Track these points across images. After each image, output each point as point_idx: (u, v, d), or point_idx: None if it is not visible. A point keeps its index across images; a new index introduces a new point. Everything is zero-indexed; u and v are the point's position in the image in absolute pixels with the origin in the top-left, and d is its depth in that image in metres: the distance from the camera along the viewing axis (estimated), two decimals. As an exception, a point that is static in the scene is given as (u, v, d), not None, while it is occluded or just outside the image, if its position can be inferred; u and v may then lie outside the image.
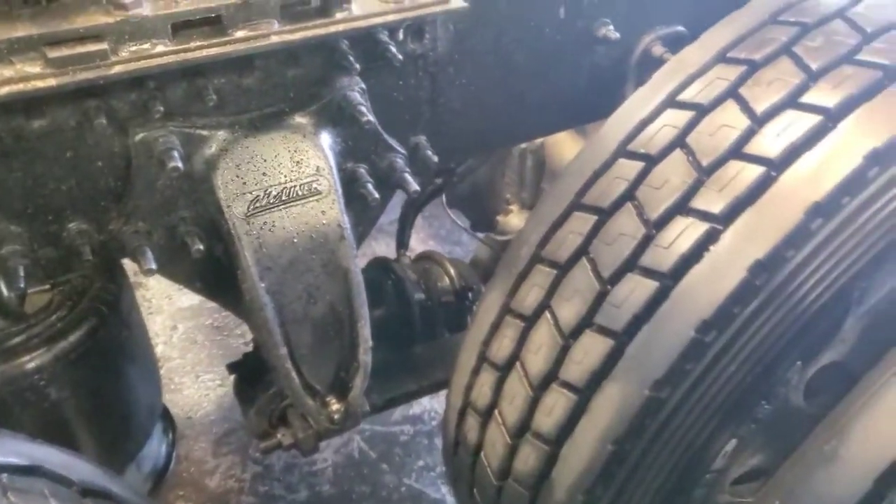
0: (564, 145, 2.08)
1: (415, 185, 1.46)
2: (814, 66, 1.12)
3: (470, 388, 1.34)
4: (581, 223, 1.19)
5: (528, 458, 1.21)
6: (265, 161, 1.33)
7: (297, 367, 1.42)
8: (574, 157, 1.28)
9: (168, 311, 2.92)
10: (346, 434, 2.46)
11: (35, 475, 0.96)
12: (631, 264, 1.11)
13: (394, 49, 1.34)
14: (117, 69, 1.10)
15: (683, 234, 1.07)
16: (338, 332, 1.45)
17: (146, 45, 1.13)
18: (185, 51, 1.14)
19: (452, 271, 1.98)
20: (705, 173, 1.09)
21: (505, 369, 1.26)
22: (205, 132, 1.28)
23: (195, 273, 1.41)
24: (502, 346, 1.26)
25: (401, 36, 1.36)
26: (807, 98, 1.09)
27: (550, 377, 1.17)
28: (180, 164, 1.20)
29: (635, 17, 1.69)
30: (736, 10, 1.34)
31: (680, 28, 1.76)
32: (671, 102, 1.19)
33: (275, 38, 1.19)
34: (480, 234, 2.23)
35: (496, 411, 1.28)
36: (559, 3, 1.57)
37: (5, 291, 1.23)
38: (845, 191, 1.02)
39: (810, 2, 1.23)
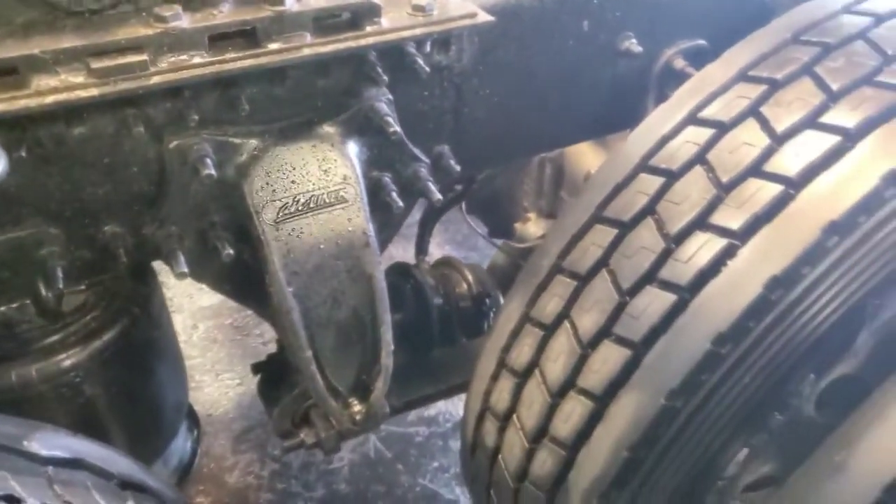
0: (583, 155, 2.11)
1: (437, 194, 1.49)
2: (834, 86, 1.14)
3: (489, 393, 1.37)
4: (602, 235, 1.22)
5: (545, 462, 1.24)
6: (294, 169, 1.37)
7: (322, 370, 1.47)
8: (597, 169, 1.31)
9: (189, 309, 2.98)
10: (363, 435, 2.50)
11: (77, 468, 1.00)
12: (650, 277, 1.14)
13: (421, 61, 1.38)
14: (156, 79, 1.14)
15: (702, 248, 1.10)
16: (361, 336, 1.49)
17: (184, 57, 1.17)
18: (221, 62, 1.18)
19: (470, 277, 2.01)
20: (725, 190, 1.12)
21: (524, 376, 1.29)
22: (237, 140, 1.32)
23: (224, 276, 1.45)
24: (521, 354, 1.29)
25: (427, 48, 1.40)
26: (826, 118, 1.11)
27: (568, 385, 1.20)
28: (213, 171, 1.25)
29: (658, 31, 1.71)
30: (755, 24, 1.37)
31: (701, 42, 1.79)
32: (693, 119, 1.22)
33: (307, 51, 1.23)
34: (498, 241, 2.26)
35: (514, 416, 1.31)
36: (583, 16, 1.60)
37: (44, 291, 1.27)
38: (862, 210, 1.04)
39: (832, 22, 1.25)
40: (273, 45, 1.22)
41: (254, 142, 1.35)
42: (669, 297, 1.11)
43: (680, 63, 1.76)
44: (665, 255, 1.13)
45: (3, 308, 1.31)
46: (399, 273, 2.01)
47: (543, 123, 1.71)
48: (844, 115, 1.10)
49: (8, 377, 1.27)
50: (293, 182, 1.36)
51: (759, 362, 1.09)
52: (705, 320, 1.07)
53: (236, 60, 1.19)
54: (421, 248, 2.08)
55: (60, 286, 1.29)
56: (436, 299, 1.95)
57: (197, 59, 1.18)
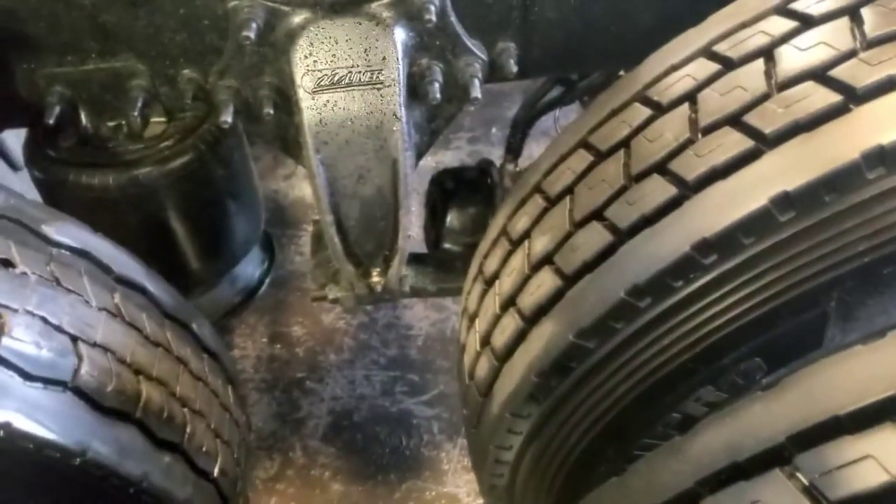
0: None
1: (477, 93, 1.48)
2: (871, 34, 0.94)
3: (469, 294, 1.41)
4: (578, 161, 1.16)
5: (482, 367, 1.28)
6: (337, 44, 1.44)
7: (343, 236, 1.60)
8: (606, 89, 1.22)
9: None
10: (446, 312, 2.66)
11: (81, 256, 1.24)
12: (598, 213, 1.08)
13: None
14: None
15: (652, 193, 1.02)
16: (384, 215, 1.58)
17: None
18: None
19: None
20: (699, 134, 1.01)
21: (488, 284, 1.31)
22: (287, 8, 1.42)
23: (275, 133, 1.60)
24: (492, 263, 1.31)
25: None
26: (836, 72, 0.93)
27: (511, 301, 1.21)
28: (252, 36, 1.37)
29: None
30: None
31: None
32: (706, 51, 1.08)
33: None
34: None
35: (476, 320, 1.35)
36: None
37: (130, 116, 1.53)
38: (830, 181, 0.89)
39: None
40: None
41: (304, 12, 1.43)
42: (606, 237, 1.05)
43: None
44: (619, 193, 1.06)
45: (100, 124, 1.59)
46: (480, 170, 2.04)
47: (629, 36, 1.58)
48: (859, 72, 0.92)
49: (92, 180, 1.57)
50: (334, 56, 1.44)
51: (684, 327, 1.01)
52: (627, 268, 1.01)
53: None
54: (510, 149, 2.06)
55: (137, 114, 1.53)
56: (506, 200, 1.96)
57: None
